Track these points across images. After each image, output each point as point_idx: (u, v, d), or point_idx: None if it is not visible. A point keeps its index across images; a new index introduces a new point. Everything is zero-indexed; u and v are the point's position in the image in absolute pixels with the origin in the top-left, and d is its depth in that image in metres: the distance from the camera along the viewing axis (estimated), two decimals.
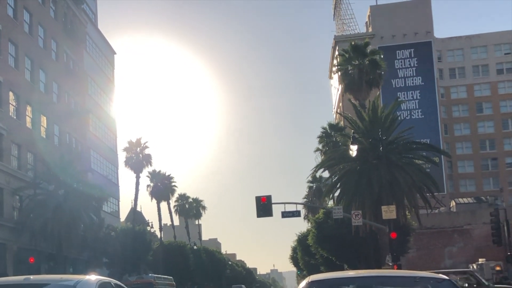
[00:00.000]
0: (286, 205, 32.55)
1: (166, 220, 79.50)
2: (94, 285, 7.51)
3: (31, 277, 7.62)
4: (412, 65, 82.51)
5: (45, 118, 43.58)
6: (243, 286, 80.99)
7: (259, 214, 31.19)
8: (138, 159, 62.58)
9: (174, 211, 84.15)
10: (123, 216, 64.68)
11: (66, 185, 37.66)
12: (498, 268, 37.95)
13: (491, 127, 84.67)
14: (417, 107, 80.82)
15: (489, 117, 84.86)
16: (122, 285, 8.77)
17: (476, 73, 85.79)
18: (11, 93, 38.50)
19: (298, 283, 7.29)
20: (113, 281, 8.50)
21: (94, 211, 40.98)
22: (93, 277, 7.75)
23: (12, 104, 38.74)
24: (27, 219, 35.94)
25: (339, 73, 43.33)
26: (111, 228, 48.09)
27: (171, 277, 53.33)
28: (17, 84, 39.25)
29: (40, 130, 42.83)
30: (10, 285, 7.58)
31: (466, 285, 25.73)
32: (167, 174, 72.71)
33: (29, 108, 40.99)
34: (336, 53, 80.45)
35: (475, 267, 41.15)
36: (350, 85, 41.15)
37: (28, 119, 40.93)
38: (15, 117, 38.92)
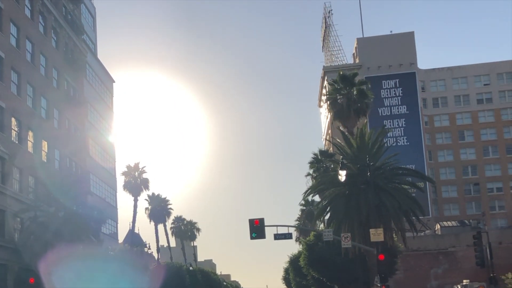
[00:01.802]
0: (278, 227, 32.46)
1: (162, 241, 78.82)
2: None
3: None
4: (397, 94, 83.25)
5: (46, 143, 43.41)
6: None
7: (253, 236, 31.05)
8: (136, 183, 62.59)
9: (171, 233, 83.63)
10: (121, 237, 64.13)
11: (66, 208, 37.34)
12: None
13: (473, 154, 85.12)
14: (402, 134, 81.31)
15: (470, 144, 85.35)
16: None
17: (457, 102, 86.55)
18: (13, 119, 38.40)
19: None
20: None
21: (93, 232, 40.59)
22: None
23: (14, 130, 38.62)
24: (27, 241, 35.54)
25: (328, 102, 43.65)
26: (109, 249, 47.61)
27: None
28: (19, 110, 39.19)
29: (41, 154, 42.63)
30: None
31: None
32: (163, 197, 72.49)
33: (30, 133, 40.85)
34: (325, 83, 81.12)
35: None
36: (339, 113, 41.46)
37: (29, 144, 40.76)
38: (17, 142, 38.76)
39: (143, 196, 66.79)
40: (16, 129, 38.96)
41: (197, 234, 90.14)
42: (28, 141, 40.57)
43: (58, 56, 47.66)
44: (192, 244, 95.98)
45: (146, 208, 70.28)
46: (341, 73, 43.28)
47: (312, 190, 35.72)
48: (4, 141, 36.52)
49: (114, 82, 66.61)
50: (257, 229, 30.88)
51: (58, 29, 47.79)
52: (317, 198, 46.57)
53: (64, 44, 49.33)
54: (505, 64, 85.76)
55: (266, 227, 31.32)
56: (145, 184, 63.25)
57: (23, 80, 40.08)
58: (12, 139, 38.21)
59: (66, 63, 49.02)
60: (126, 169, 63.13)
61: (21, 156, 38.57)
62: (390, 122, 79.87)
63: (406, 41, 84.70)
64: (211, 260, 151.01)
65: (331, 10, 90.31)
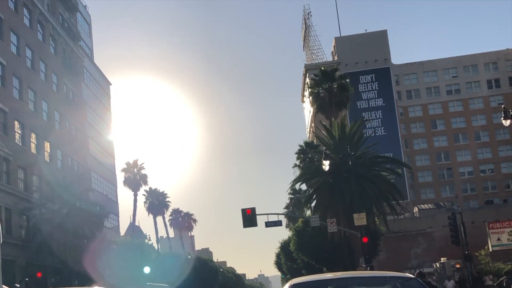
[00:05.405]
0: (269, 215, 32.33)
1: (162, 232, 78.55)
2: None
3: None
4: (374, 88, 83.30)
5: (48, 143, 42.93)
6: None
7: (245, 225, 30.89)
8: (136, 179, 62.24)
9: (169, 224, 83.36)
10: (122, 230, 63.75)
11: (69, 204, 36.99)
12: (458, 266, 38.01)
13: (445, 141, 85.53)
14: (380, 125, 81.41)
15: (442, 132, 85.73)
16: None
17: (429, 94, 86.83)
18: (16, 122, 37.92)
19: (283, 286, 7.07)
20: None
21: (96, 227, 40.24)
22: None
23: (17, 132, 38.13)
24: (34, 237, 35.15)
25: (311, 96, 43.48)
26: (112, 242, 47.25)
27: (166, 285, 52.36)
28: (22, 113, 38.69)
29: (44, 154, 42.15)
30: None
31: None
32: (161, 191, 72.12)
33: (33, 135, 40.36)
34: (307, 79, 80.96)
35: (438, 265, 41.21)
36: (321, 106, 41.31)
37: (32, 145, 40.27)
38: (20, 144, 38.28)
39: (142, 191, 66.47)
40: (19, 131, 38.47)
41: (194, 225, 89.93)
42: (31, 143, 40.09)
43: (57, 61, 47.10)
44: (189, 234, 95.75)
45: (145, 202, 69.90)
46: (322, 68, 43.08)
47: (298, 179, 35.62)
48: (8, 143, 36.05)
49: (110, 84, 66.01)
50: (249, 217, 30.73)
51: (56, 36, 47.18)
52: (304, 187, 46.47)
53: (62, 50, 48.75)
54: (471, 58, 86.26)
55: (257, 216, 31.18)
56: (143, 179, 62.92)
57: (24, 85, 39.57)
58: (16, 141, 37.74)
59: (64, 68, 48.47)
60: (125, 166, 62.76)
61: (24, 157, 38.12)
62: (368, 114, 79.92)
63: (380, 38, 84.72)
64: (207, 248, 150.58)
65: (310, 12, 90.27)
